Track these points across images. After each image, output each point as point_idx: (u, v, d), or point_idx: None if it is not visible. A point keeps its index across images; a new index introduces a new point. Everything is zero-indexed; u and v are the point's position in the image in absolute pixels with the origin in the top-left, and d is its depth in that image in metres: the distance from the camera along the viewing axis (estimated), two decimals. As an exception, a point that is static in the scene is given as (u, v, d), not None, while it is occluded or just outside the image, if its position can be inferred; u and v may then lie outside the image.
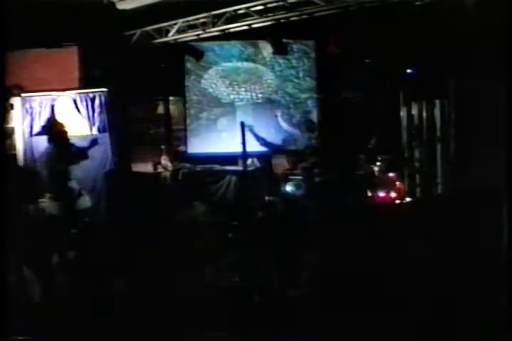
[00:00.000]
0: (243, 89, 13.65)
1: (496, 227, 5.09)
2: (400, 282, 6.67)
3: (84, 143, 10.23)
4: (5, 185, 5.57)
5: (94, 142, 10.30)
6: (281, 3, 10.69)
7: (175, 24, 11.80)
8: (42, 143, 11.59)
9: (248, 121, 11.88)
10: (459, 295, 6.13)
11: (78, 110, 11.77)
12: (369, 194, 10.83)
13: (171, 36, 11.98)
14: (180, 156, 13.56)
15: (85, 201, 10.10)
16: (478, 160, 8.53)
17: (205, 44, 13.03)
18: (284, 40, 12.48)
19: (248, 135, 10.44)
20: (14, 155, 11.48)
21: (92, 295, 7.08)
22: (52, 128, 10.96)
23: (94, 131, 11.75)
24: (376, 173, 11.08)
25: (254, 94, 13.65)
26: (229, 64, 13.61)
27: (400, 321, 5.84)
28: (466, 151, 9.72)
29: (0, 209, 5.62)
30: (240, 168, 12.20)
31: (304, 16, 10.79)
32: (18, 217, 10.08)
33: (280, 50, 12.50)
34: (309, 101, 13.61)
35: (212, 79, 13.71)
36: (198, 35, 11.79)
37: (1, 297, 5.34)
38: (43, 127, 11.69)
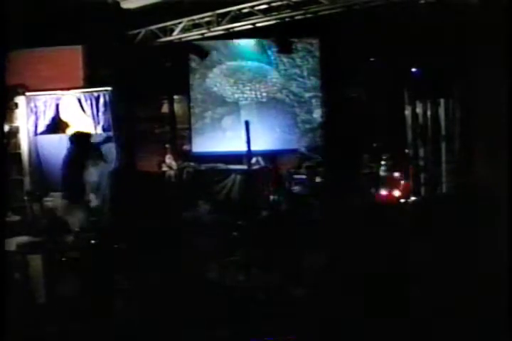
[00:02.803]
0: (248, 88, 13.67)
1: (498, 226, 5.09)
2: (401, 281, 6.67)
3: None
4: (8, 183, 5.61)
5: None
6: (285, 2, 10.67)
7: (179, 23, 11.79)
8: (47, 141, 11.66)
9: (252, 119, 11.92)
10: (460, 294, 6.12)
11: (83, 109, 11.80)
12: (373, 193, 10.83)
13: (176, 35, 11.96)
14: (184, 155, 13.59)
15: (92, 200, 10.14)
16: (482, 159, 8.52)
17: (210, 43, 13.04)
18: (289, 39, 12.45)
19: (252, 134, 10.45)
20: (19, 154, 11.52)
21: (95, 293, 7.09)
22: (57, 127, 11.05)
23: (99, 130, 11.78)
24: (380, 172, 11.07)
25: (258, 93, 13.66)
26: (233, 63, 13.63)
27: (400, 321, 5.84)
28: (471, 150, 9.72)
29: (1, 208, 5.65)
30: (244, 166, 12.21)
31: (309, 15, 10.78)
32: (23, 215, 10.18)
33: (284, 48, 12.49)
34: (314, 100, 13.62)
35: (216, 78, 13.73)
36: (202, 34, 11.77)
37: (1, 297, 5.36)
38: (48, 126, 11.74)
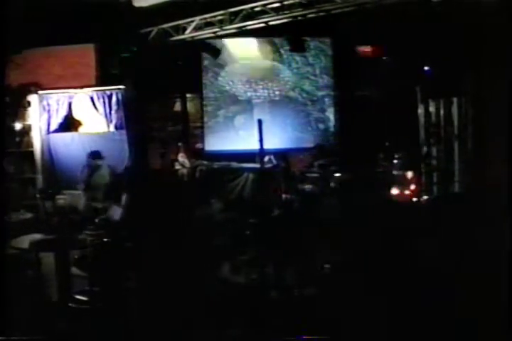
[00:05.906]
0: (260, 87, 13.66)
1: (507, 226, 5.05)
2: (405, 280, 6.64)
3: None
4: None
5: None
6: (298, 0, 10.65)
7: (192, 21, 11.79)
8: (59, 140, 11.71)
9: (265, 118, 11.88)
10: (461, 294, 6.08)
11: (95, 107, 11.84)
12: (386, 192, 10.79)
13: (188, 34, 11.96)
14: (197, 154, 13.58)
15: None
16: (495, 158, 8.47)
17: (223, 41, 13.04)
18: (301, 38, 12.42)
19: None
20: (31, 152, 11.58)
21: (107, 291, 7.09)
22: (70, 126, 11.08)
23: (112, 129, 11.82)
24: (393, 171, 11.03)
25: (271, 92, 13.65)
26: (246, 61, 13.62)
27: (400, 321, 5.81)
28: (483, 149, 9.67)
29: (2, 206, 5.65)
30: (257, 165, 12.18)
31: (321, 13, 10.74)
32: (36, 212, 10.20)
33: (297, 47, 12.45)
34: (326, 99, 13.60)
35: (229, 77, 13.73)
36: (215, 32, 11.77)
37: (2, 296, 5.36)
38: (60, 124, 11.79)
